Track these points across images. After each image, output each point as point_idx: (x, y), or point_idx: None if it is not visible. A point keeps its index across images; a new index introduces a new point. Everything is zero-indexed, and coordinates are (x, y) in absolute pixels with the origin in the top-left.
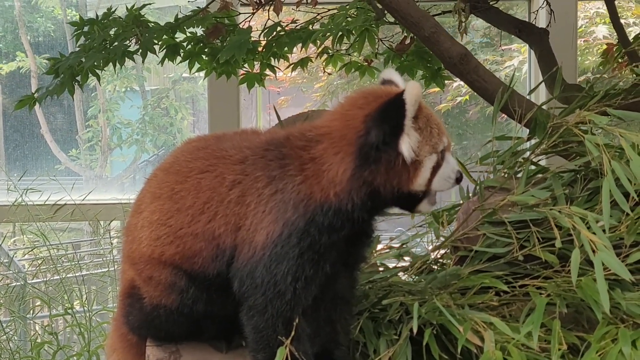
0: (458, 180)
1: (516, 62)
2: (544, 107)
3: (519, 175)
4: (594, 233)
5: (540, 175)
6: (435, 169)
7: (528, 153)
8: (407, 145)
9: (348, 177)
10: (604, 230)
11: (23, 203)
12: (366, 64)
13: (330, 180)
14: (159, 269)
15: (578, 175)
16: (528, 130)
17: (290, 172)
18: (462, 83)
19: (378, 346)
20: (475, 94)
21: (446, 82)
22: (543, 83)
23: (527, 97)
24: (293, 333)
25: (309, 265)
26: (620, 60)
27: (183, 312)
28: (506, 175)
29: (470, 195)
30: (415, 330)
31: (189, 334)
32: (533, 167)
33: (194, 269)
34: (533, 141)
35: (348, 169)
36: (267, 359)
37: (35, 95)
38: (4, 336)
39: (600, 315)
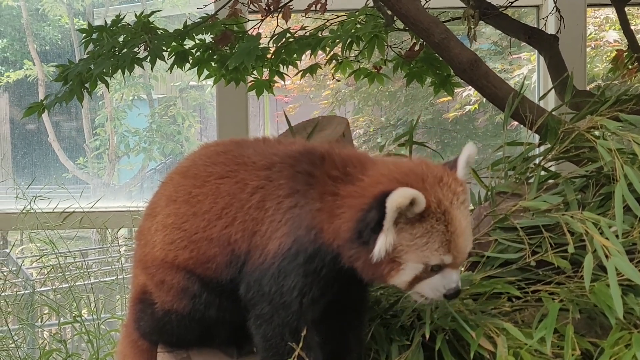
0: (448, 296)
1: (525, 71)
2: (554, 113)
3: (531, 181)
4: (607, 238)
5: (551, 181)
6: (419, 278)
7: (539, 159)
8: (380, 244)
9: (345, 239)
10: (616, 236)
11: (32, 211)
12: (375, 70)
13: (336, 230)
14: (172, 273)
15: (590, 181)
16: (539, 136)
17: (312, 195)
18: (471, 92)
19: (390, 352)
20: (484, 102)
21: (455, 90)
22: (553, 90)
23: (538, 103)
24: (302, 341)
25: (316, 286)
26: (630, 66)
27: (195, 317)
28: (517, 181)
29: (482, 200)
30: (427, 336)
31: (200, 340)
32: (544, 172)
33: (207, 274)
34: (544, 147)
35: (347, 232)
36: None
37: (44, 102)
38: (13, 344)
39: (613, 321)
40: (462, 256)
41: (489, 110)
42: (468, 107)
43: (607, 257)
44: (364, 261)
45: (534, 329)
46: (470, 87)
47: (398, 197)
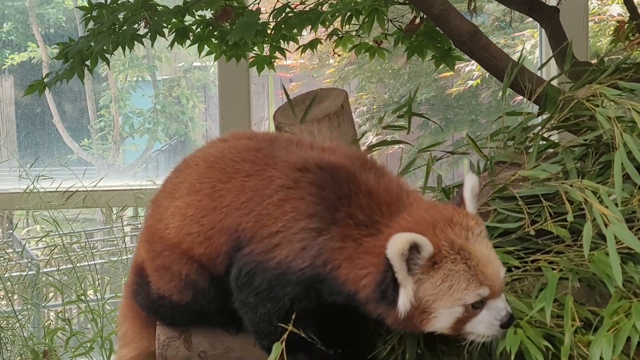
0: (504, 326)
1: (528, 46)
2: (554, 83)
3: (530, 150)
4: (606, 206)
5: (551, 150)
6: (464, 319)
7: (539, 128)
8: (402, 299)
9: (368, 297)
10: (616, 204)
11: (35, 190)
12: (376, 45)
13: (356, 281)
14: (182, 263)
15: (589, 150)
16: (538, 107)
17: (334, 232)
18: (473, 67)
19: None
20: (487, 77)
21: (457, 66)
22: (554, 61)
23: (538, 72)
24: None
25: (314, 299)
26: (631, 37)
27: (192, 308)
28: (517, 151)
29: (481, 170)
30: None
31: (195, 323)
32: (544, 142)
33: (218, 271)
34: (543, 117)
35: (370, 291)
36: (272, 343)
37: (45, 80)
38: (17, 323)
39: (613, 290)
40: (499, 283)
41: (492, 86)
42: (470, 83)
43: (606, 225)
44: (393, 318)
45: (534, 299)
46: (472, 62)
47: (396, 244)
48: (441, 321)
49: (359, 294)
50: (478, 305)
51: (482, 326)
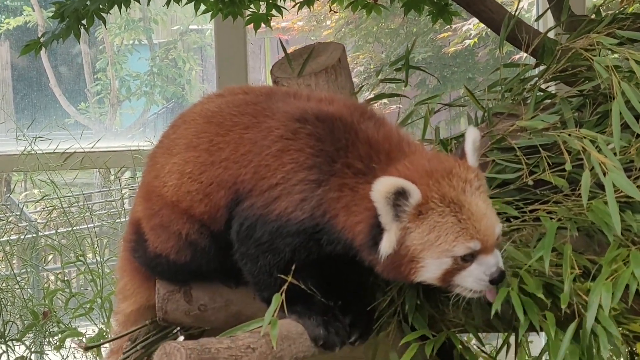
0: (494, 282)
1: (526, 5)
2: (551, 35)
3: (528, 101)
4: (605, 155)
5: (548, 101)
6: (452, 271)
7: (536, 79)
8: (384, 242)
9: (362, 244)
10: (614, 153)
11: (33, 152)
12: (372, 1)
13: (352, 227)
14: (182, 222)
15: (587, 100)
16: (535, 60)
17: (332, 182)
18: (470, 26)
19: None
20: (484, 36)
21: (454, 25)
22: (551, 15)
23: (534, 24)
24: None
25: (314, 250)
26: None
27: (191, 267)
28: (514, 102)
29: (479, 122)
30: None
31: (193, 280)
32: (541, 93)
33: (218, 228)
34: (541, 69)
35: (363, 237)
36: (272, 295)
37: (42, 40)
38: (17, 285)
39: (611, 238)
40: (491, 238)
41: (489, 45)
42: (468, 42)
43: (604, 173)
44: (382, 266)
45: (532, 249)
46: (469, 21)
47: (380, 187)
48: (429, 271)
49: (355, 241)
50: (468, 259)
51: (471, 280)
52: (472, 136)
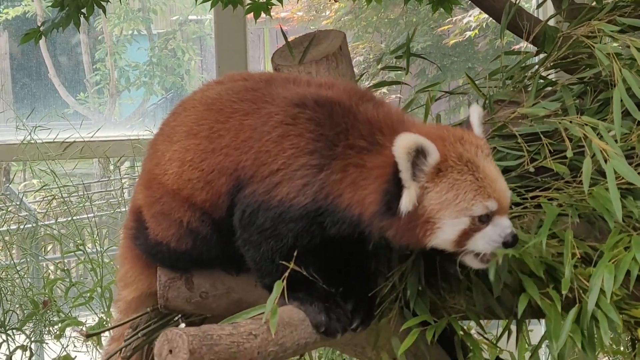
0: (507, 244)
1: None
2: (551, 23)
3: (529, 89)
4: (606, 142)
5: (549, 89)
6: (468, 233)
7: (537, 66)
8: (404, 199)
9: (373, 212)
10: (615, 140)
11: (32, 141)
12: None
13: (360, 201)
14: (184, 210)
15: (588, 88)
16: (536, 47)
17: (334, 166)
18: (471, 18)
19: (390, 262)
20: (484, 27)
21: (455, 18)
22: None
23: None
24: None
25: (317, 234)
26: None
27: (192, 255)
28: (515, 89)
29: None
30: None
31: (194, 268)
32: (542, 81)
33: (220, 215)
34: (542, 57)
35: (374, 204)
36: (274, 281)
37: (41, 28)
38: (17, 274)
39: (612, 224)
40: (506, 200)
41: (488, 35)
42: (468, 33)
43: (605, 160)
44: (396, 229)
45: (533, 234)
46: (469, 13)
47: (403, 142)
48: (446, 232)
49: (364, 214)
50: (484, 220)
51: (485, 241)
52: (477, 111)
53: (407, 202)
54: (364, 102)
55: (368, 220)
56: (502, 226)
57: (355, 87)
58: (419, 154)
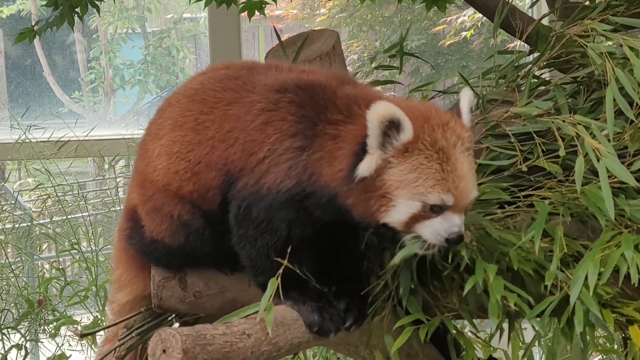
0: (450, 241)
1: None
2: (545, 22)
3: (522, 88)
4: (598, 141)
5: (542, 88)
6: (417, 218)
7: (530, 66)
8: (364, 163)
9: (342, 177)
10: (608, 139)
11: (27, 140)
12: None
13: (334, 171)
14: (173, 204)
15: (580, 87)
16: (529, 47)
17: (315, 145)
18: (465, 18)
19: (383, 261)
20: (479, 26)
21: (450, 18)
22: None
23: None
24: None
25: (307, 223)
26: None
27: (185, 250)
28: (508, 88)
29: (473, 108)
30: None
31: (188, 266)
32: (535, 80)
33: (210, 208)
34: (535, 56)
35: (344, 169)
36: (268, 279)
37: (35, 28)
38: (12, 273)
39: (604, 223)
40: (465, 200)
41: (483, 33)
42: (464, 34)
43: (598, 159)
44: (354, 197)
45: (524, 233)
46: (464, 12)
47: (378, 108)
48: (397, 212)
49: (337, 186)
50: (436, 210)
51: (430, 231)
52: (467, 96)
53: (364, 167)
54: (344, 84)
55: (338, 187)
56: (452, 223)
57: (336, 71)
58: (392, 125)
